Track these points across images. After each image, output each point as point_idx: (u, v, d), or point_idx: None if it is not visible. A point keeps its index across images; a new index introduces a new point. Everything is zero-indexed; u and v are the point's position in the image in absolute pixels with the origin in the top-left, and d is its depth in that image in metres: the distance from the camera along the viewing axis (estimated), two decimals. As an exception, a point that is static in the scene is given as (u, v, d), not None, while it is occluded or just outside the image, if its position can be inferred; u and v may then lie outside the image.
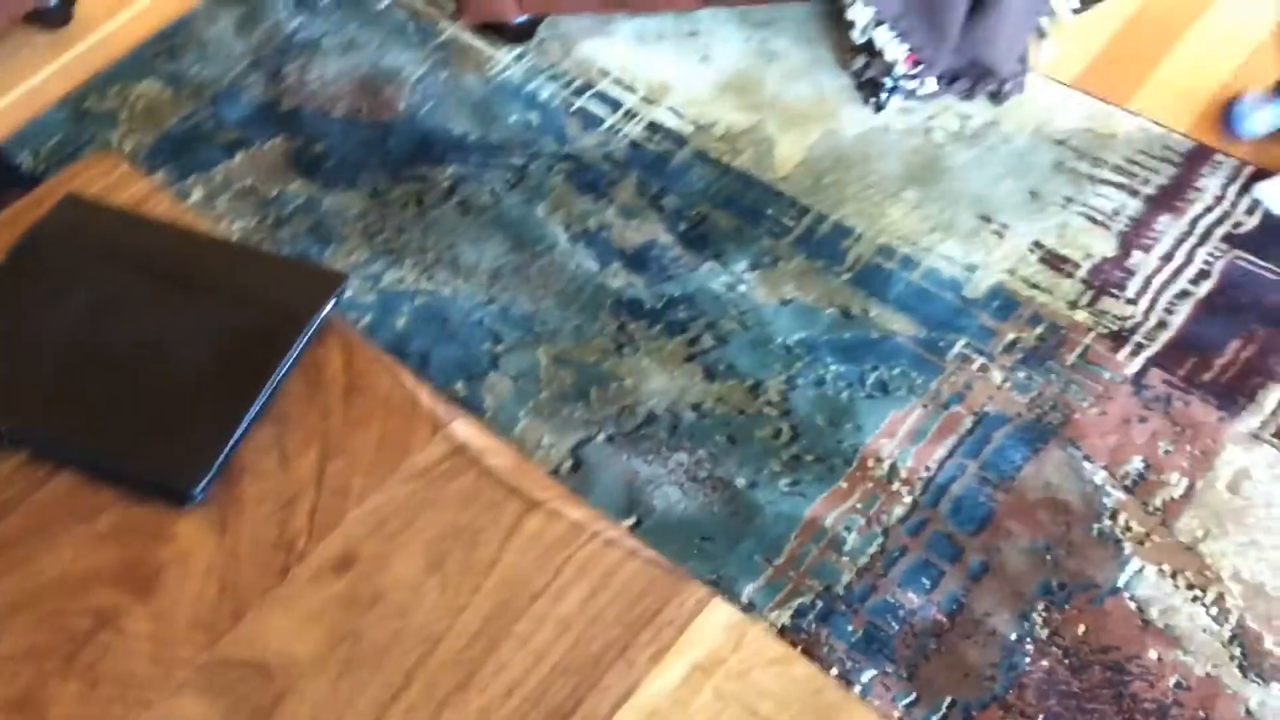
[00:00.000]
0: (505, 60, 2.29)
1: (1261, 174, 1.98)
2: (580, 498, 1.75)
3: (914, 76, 2.05)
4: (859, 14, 1.99)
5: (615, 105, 2.21)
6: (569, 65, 2.27)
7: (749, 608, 1.62)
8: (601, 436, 1.80)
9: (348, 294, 1.97)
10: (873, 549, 1.67)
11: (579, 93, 2.23)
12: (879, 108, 2.12)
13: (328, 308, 1.00)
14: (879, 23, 1.98)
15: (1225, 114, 2.04)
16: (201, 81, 2.28)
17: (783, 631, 1.60)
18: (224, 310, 0.99)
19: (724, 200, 2.06)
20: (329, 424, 0.96)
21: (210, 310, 1.00)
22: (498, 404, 1.84)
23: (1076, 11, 1.99)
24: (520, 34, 2.29)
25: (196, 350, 0.97)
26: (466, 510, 0.91)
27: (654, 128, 2.17)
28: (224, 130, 2.21)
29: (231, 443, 0.94)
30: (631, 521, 1.71)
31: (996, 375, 1.82)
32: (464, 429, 0.95)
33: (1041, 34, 2.07)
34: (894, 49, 2.00)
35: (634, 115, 2.19)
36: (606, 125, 2.18)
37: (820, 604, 1.62)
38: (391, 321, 1.93)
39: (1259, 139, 2.01)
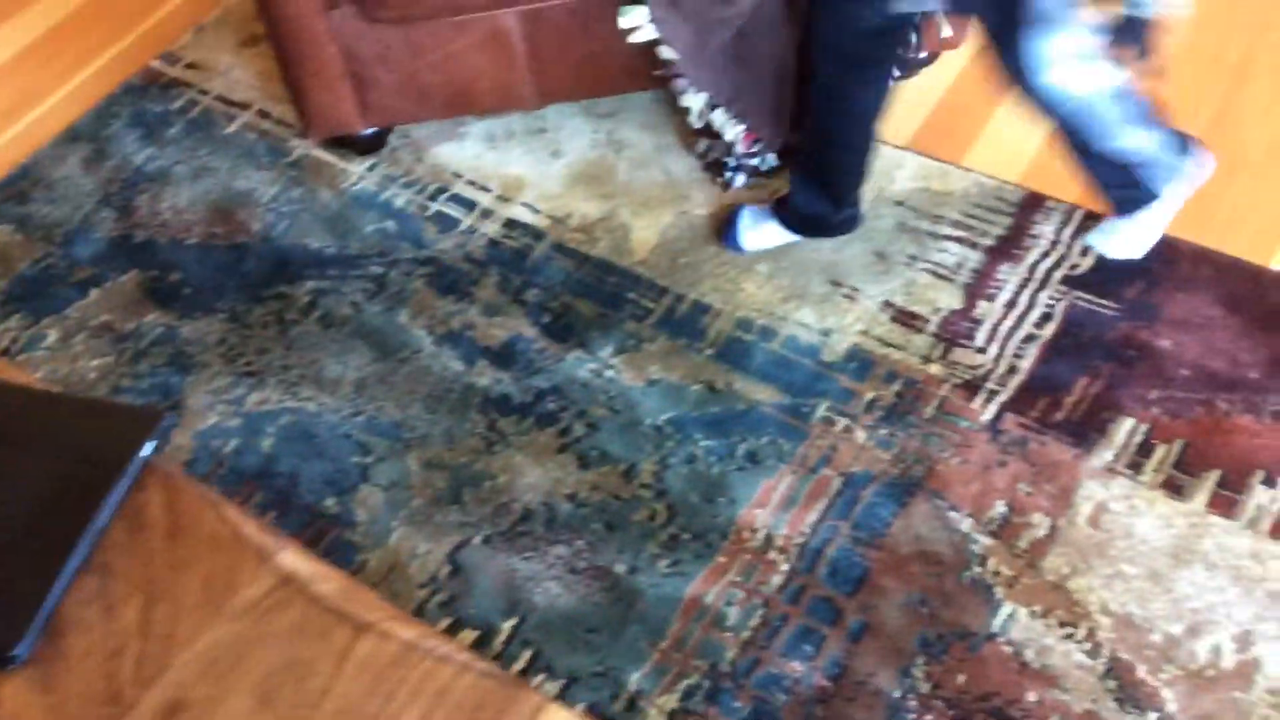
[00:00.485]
0: (358, 172, 2.31)
1: (1092, 218, 2.06)
2: (460, 601, 1.75)
3: (754, 154, 2.11)
4: (693, 100, 2.05)
5: (471, 206, 2.23)
6: (422, 171, 2.30)
7: (636, 695, 1.62)
8: (478, 538, 1.80)
9: (212, 420, 1.95)
10: (754, 621, 1.68)
11: (434, 197, 2.25)
12: (726, 187, 2.18)
13: (145, 450, 0.99)
14: (714, 106, 2.04)
15: (727, 226, 2.10)
16: (52, 223, 2.26)
17: (673, 716, 1.60)
18: (38, 462, 0.98)
19: (584, 289, 2.09)
20: (152, 569, 0.95)
21: (23, 463, 0.99)
22: (370, 517, 1.83)
23: (898, 79, 2.07)
24: (371, 145, 2.32)
25: (11, 505, 0.96)
26: (296, 641, 0.91)
27: (511, 224, 2.20)
28: (77, 269, 2.19)
29: (52, 598, 0.92)
30: (514, 622, 1.71)
31: (860, 435, 1.86)
32: (291, 558, 0.95)
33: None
34: (731, 130, 2.06)
35: (490, 214, 2.22)
36: (463, 226, 2.20)
37: (707, 683, 1.63)
38: (257, 444, 1.92)
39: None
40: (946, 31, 2.07)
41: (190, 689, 0.89)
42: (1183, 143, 1.87)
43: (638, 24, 1.90)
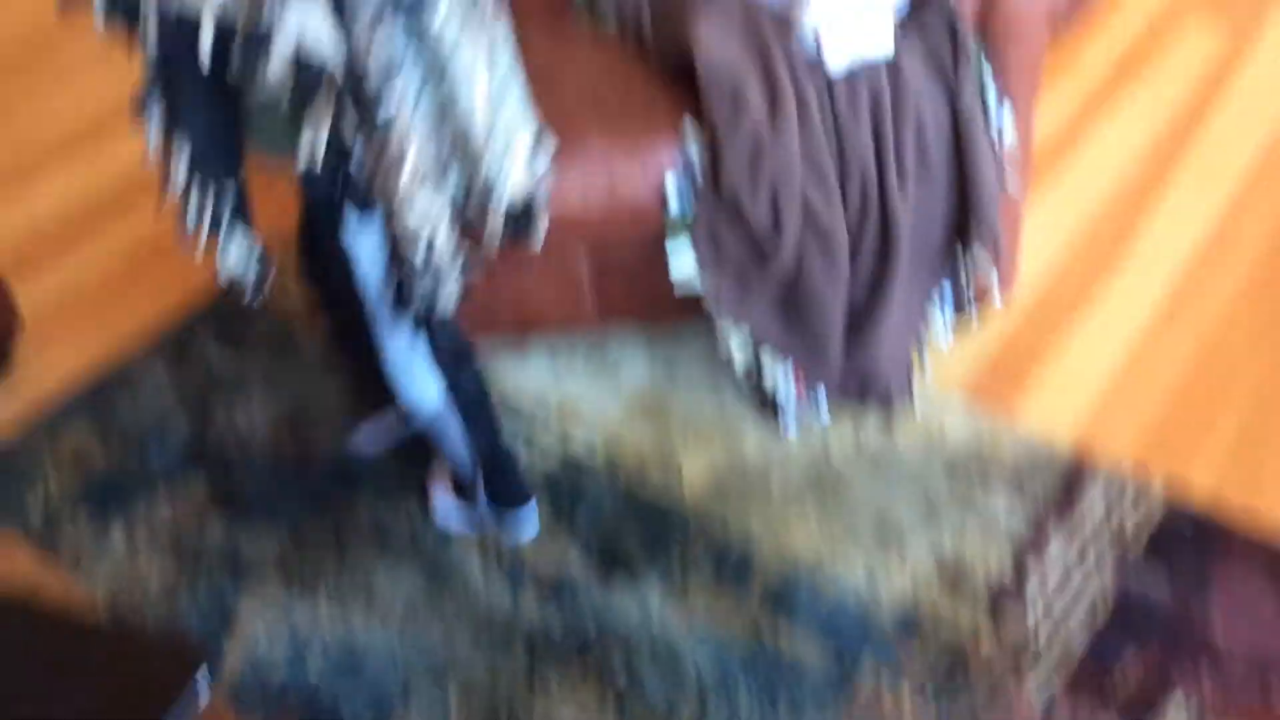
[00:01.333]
0: (424, 390, 2.38)
1: (1142, 486, 2.06)
2: None
3: (808, 400, 2.15)
4: (735, 350, 2.11)
5: (528, 429, 2.28)
6: (486, 392, 2.36)
7: None
8: (511, 779, 1.78)
9: (261, 639, 1.98)
10: None
11: (494, 418, 2.31)
12: (784, 430, 2.21)
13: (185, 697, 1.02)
14: (759, 343, 2.10)
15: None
16: (130, 426, 2.35)
17: None
18: (75, 700, 1.02)
19: (634, 525, 2.11)
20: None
21: (71, 704, 1.02)
22: (406, 749, 1.82)
23: (952, 326, 2.12)
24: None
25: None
26: None
27: (565, 453, 2.24)
28: (148, 473, 2.26)
29: None
30: None
31: (905, 701, 1.83)
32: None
33: (921, 354, 2.19)
34: (780, 373, 2.11)
35: (545, 441, 2.27)
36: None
37: None
38: (303, 665, 1.94)
39: None
40: (994, 281, 2.12)
41: None
42: None
43: (687, 275, 1.98)
